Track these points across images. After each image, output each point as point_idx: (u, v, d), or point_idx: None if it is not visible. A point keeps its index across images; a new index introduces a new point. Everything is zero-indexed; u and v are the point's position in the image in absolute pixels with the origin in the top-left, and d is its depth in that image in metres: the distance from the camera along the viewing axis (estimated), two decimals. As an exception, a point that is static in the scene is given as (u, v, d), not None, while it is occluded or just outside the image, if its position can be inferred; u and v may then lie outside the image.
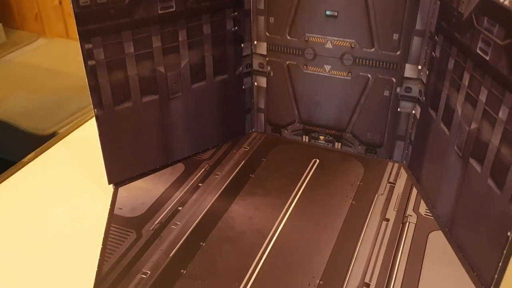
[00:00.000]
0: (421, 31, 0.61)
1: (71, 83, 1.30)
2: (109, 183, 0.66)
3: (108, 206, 0.64)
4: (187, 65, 0.66)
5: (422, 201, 0.64)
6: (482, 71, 0.49)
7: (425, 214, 0.62)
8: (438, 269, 0.54)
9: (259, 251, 0.56)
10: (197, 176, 0.69)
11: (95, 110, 0.60)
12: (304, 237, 0.59)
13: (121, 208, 0.63)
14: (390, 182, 0.68)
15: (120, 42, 0.58)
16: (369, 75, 0.67)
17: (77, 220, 0.63)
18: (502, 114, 0.46)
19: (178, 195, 0.65)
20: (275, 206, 0.63)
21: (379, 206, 0.63)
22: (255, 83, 0.75)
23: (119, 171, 0.66)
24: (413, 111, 0.67)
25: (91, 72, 0.58)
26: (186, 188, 0.66)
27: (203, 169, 0.70)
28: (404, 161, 0.71)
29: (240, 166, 0.71)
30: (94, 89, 0.59)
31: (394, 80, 0.66)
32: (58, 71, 1.37)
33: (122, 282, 0.52)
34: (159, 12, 0.60)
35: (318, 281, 0.52)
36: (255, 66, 0.73)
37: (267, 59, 0.72)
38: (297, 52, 0.70)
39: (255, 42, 0.72)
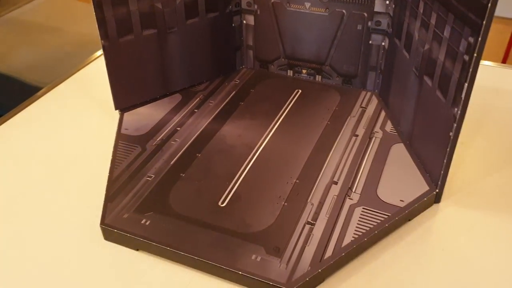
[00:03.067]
0: (388, -32, 0.69)
1: (71, 39, 1.37)
2: (116, 109, 0.75)
3: (116, 128, 0.73)
4: (182, 2, 0.74)
5: (388, 121, 0.73)
6: (433, -3, 0.57)
7: (390, 131, 0.72)
8: (397, 171, 0.64)
9: (246, 159, 0.66)
10: (193, 104, 0.78)
11: (102, 41, 0.68)
12: (284, 149, 0.68)
13: (127, 129, 0.72)
14: (362, 107, 0.77)
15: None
16: (344, 11, 0.75)
17: (89, 139, 0.73)
18: (446, 32, 0.54)
19: (177, 118, 0.74)
20: (261, 126, 0.73)
21: (351, 125, 0.73)
22: (244, 21, 0.83)
23: (124, 98, 0.75)
24: (383, 43, 0.75)
25: (98, 6, 0.66)
26: (184, 113, 0.76)
27: (198, 98, 0.79)
28: (376, 90, 0.80)
29: (231, 95, 0.80)
30: (101, 22, 0.67)
31: (365, 14, 0.74)
32: (58, 28, 1.44)
33: (130, 183, 0.62)
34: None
35: (295, 180, 0.62)
36: (244, 5, 0.81)
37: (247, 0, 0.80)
38: (281, -9, 0.78)
39: (243, -17, 0.79)
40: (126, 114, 0.76)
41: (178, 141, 0.70)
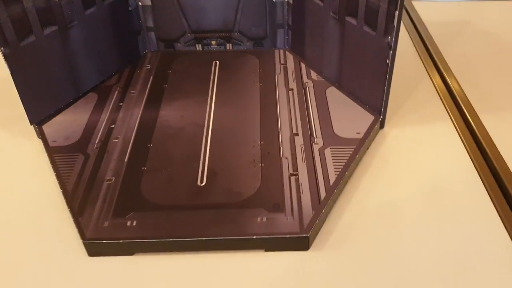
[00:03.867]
0: None
1: None
2: (32, 123, 0.66)
3: (40, 144, 0.65)
4: (77, -9, 0.67)
5: (311, 71, 0.77)
6: None
7: (317, 79, 0.76)
8: (341, 110, 0.68)
9: (203, 135, 0.64)
10: (114, 98, 0.72)
11: (2, 49, 0.59)
12: (234, 117, 0.68)
13: (55, 141, 0.64)
14: (282, 64, 0.79)
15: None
16: (244, -27, 0.76)
17: (13, 162, 0.63)
18: (365, -31, 0.59)
19: (105, 116, 0.68)
20: (198, 102, 0.71)
21: (282, 82, 0.75)
22: (139, 3, 0.79)
23: (38, 109, 0.66)
24: (286, -1, 0.79)
25: (-11, 7, 0.56)
26: (109, 109, 0.70)
27: (116, 91, 0.73)
28: (287, 46, 0.83)
29: (150, 81, 0.76)
30: None
31: (266, -27, 0.76)
32: None
33: (92, 192, 0.56)
34: None
35: (260, 142, 0.63)
36: (136, -14, 0.77)
37: (147, -25, 0.76)
38: (176, -36, 0.75)
39: (132, -38, 0.75)
40: (44, 127, 0.66)
41: (120, 137, 0.64)
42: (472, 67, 0.82)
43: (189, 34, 0.82)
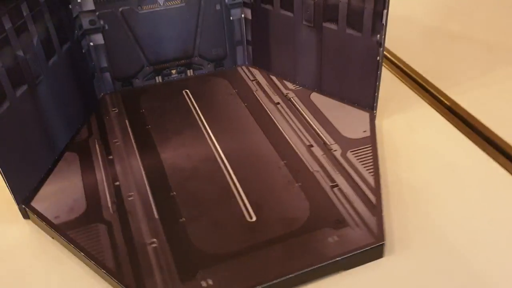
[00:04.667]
0: None
1: None
2: (19, 203, 0.55)
3: (30, 225, 0.54)
4: (38, 41, 0.57)
5: (285, 82, 0.77)
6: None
7: (295, 88, 0.76)
8: (335, 113, 0.70)
9: (223, 170, 0.60)
10: (99, 153, 0.63)
11: (-20, 123, 0.48)
12: (241, 142, 0.65)
13: (57, 216, 0.54)
14: (252, 80, 0.78)
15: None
16: (200, -4, 0.73)
17: (10, 259, 0.52)
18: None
19: (101, 175, 0.60)
20: (195, 137, 0.66)
21: (264, 98, 0.74)
22: (91, 43, 0.70)
23: (23, 185, 0.56)
24: (242, 15, 0.77)
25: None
26: (101, 166, 0.61)
27: (96, 145, 0.65)
28: (247, 62, 0.82)
29: (128, 125, 0.69)
30: None
31: (222, -8, 0.74)
32: None
33: (141, 262, 0.49)
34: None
35: (282, 162, 0.61)
36: (86, 24, 0.68)
37: (97, 13, 0.68)
38: (128, -5, 0.69)
39: (79, 0, 0.66)
40: (35, 204, 0.56)
41: (134, 193, 0.57)
42: (417, 49, 0.89)
43: (147, 68, 0.76)
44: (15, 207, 0.56)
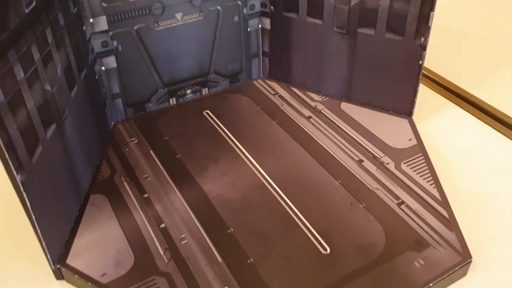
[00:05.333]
0: None
1: None
2: (55, 265, 0.47)
3: (75, 286, 0.47)
4: (62, 71, 0.49)
5: (308, 92, 0.73)
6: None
7: (321, 99, 0.72)
8: (373, 122, 0.66)
9: (276, 197, 0.55)
10: (131, 191, 0.56)
11: (19, 176, 0.40)
12: (287, 165, 0.60)
13: (104, 274, 0.47)
14: (273, 94, 0.73)
15: (10, 69, 0.39)
16: (218, 7, 0.67)
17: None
18: (388, -22, 0.58)
19: (141, 218, 0.53)
20: (234, 163, 0.60)
21: (293, 113, 0.69)
22: (102, 68, 0.63)
23: (56, 242, 0.48)
24: (259, 25, 0.72)
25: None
26: (137, 206, 0.54)
27: (125, 182, 0.58)
28: (262, 75, 0.77)
29: (154, 155, 0.62)
30: (9, 147, 0.39)
31: (239, 3, 0.68)
32: None
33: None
34: (26, 10, 0.42)
35: (337, 182, 0.57)
36: (98, 47, 0.61)
37: (110, 33, 0.61)
38: (144, 12, 0.62)
39: (91, 20, 0.58)
40: (71, 262, 0.48)
41: (186, 235, 0.51)
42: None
43: (161, 90, 0.69)
44: (44, 267, 0.48)
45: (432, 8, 0.57)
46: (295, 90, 0.74)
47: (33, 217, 0.42)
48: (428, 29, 0.59)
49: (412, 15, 0.59)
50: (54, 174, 0.47)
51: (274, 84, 0.76)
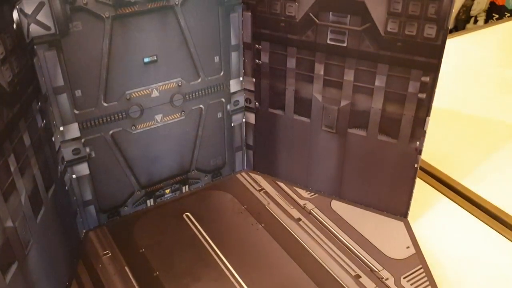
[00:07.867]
0: (236, 45, 0.62)
1: None
2: None
3: None
4: (26, 198, 0.44)
5: (296, 189, 0.69)
6: (340, 56, 0.56)
7: (310, 196, 0.67)
8: (367, 225, 0.62)
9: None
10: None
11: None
12: (276, 282, 0.54)
13: None
14: (258, 190, 0.68)
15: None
16: (201, 106, 0.63)
17: None
18: (379, 82, 0.55)
19: None
20: (219, 281, 0.54)
21: (281, 214, 0.64)
22: (73, 176, 0.57)
23: None
24: (243, 120, 0.68)
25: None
26: None
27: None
28: (245, 167, 0.73)
29: (130, 274, 0.55)
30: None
31: (223, 100, 0.65)
32: None
33: None
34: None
35: (335, 305, 0.51)
36: (68, 155, 0.55)
37: (82, 140, 0.56)
38: (120, 116, 0.57)
39: (61, 128, 0.54)
40: None
41: None
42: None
43: (138, 192, 0.64)
44: None
45: (428, 113, 0.55)
46: (282, 185, 0.70)
47: None
48: (424, 133, 0.56)
49: (407, 119, 0.57)
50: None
51: (259, 178, 0.71)
